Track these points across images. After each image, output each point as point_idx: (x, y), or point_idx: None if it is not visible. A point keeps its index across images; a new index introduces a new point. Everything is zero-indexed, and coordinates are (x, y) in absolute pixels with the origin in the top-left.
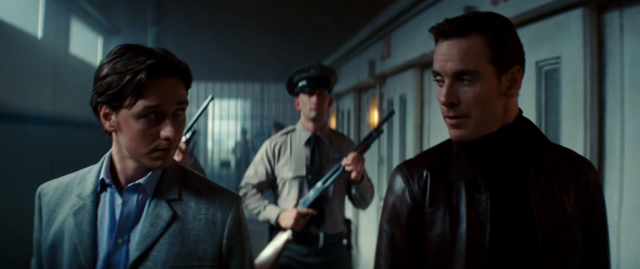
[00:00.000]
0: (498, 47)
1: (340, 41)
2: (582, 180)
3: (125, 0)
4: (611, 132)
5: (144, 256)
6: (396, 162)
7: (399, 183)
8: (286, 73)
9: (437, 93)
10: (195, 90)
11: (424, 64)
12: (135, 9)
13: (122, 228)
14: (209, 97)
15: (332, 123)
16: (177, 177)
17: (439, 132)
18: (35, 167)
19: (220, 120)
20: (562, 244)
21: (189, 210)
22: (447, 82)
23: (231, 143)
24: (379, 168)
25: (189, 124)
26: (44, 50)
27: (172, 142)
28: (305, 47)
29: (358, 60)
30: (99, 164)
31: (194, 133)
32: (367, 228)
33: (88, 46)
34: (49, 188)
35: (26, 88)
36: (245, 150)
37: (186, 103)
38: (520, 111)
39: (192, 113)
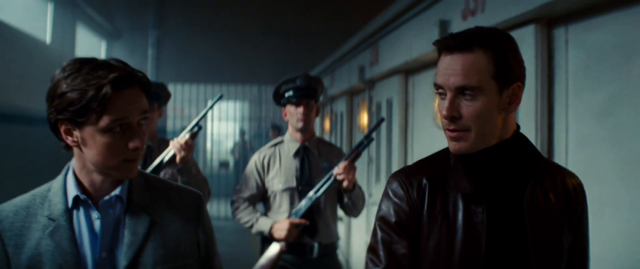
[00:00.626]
0: (500, 63)
1: (335, 44)
2: (572, 195)
3: (126, 5)
4: (558, 133)
5: (132, 264)
6: (384, 162)
7: (398, 190)
8: (284, 75)
9: (438, 106)
10: (195, 92)
11: (408, 70)
12: (136, 14)
13: (104, 241)
14: (218, 95)
15: (327, 125)
16: (143, 183)
17: (422, 133)
18: (43, 167)
19: (219, 121)
20: (553, 256)
21: (163, 213)
22: (449, 96)
23: (230, 144)
24: (369, 168)
25: (195, 120)
26: (52, 54)
27: (139, 152)
28: (302, 50)
29: (350, 65)
30: (59, 182)
31: (199, 128)
32: (358, 236)
33: (92, 50)
34: (5, 212)
35: (35, 91)
36: (244, 151)
37: (147, 111)
38: (518, 127)
39: (192, 113)
